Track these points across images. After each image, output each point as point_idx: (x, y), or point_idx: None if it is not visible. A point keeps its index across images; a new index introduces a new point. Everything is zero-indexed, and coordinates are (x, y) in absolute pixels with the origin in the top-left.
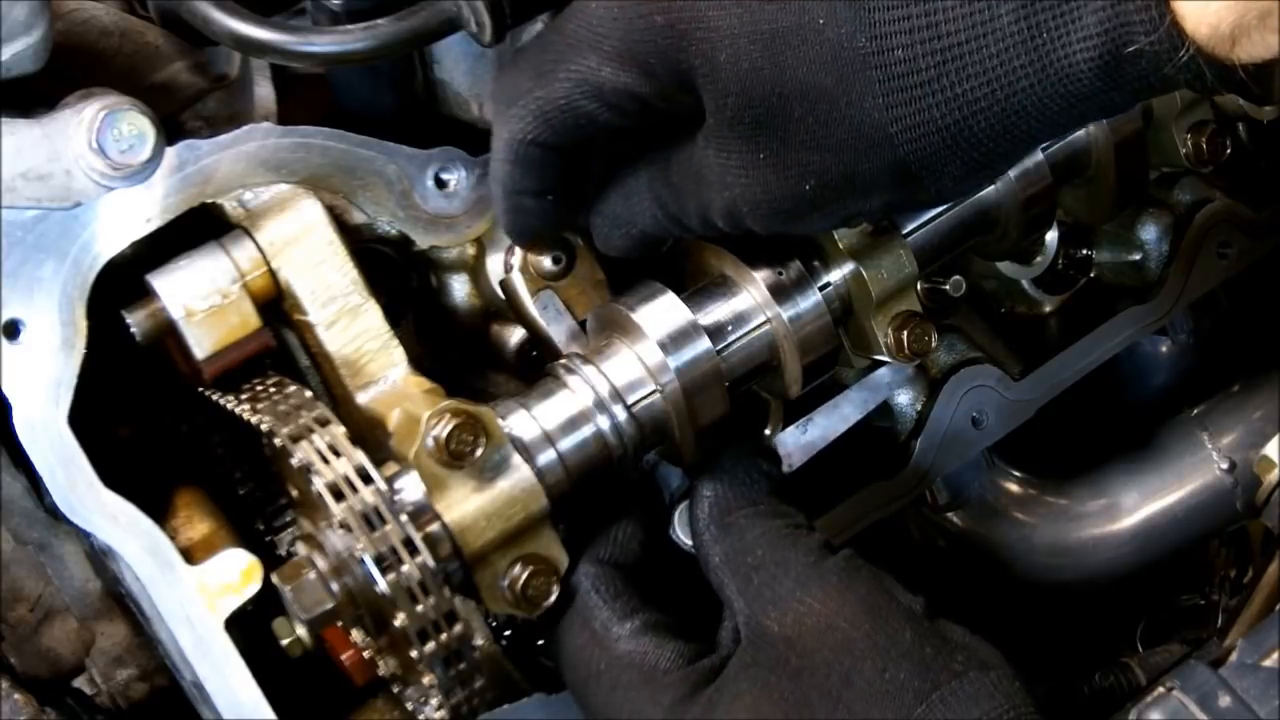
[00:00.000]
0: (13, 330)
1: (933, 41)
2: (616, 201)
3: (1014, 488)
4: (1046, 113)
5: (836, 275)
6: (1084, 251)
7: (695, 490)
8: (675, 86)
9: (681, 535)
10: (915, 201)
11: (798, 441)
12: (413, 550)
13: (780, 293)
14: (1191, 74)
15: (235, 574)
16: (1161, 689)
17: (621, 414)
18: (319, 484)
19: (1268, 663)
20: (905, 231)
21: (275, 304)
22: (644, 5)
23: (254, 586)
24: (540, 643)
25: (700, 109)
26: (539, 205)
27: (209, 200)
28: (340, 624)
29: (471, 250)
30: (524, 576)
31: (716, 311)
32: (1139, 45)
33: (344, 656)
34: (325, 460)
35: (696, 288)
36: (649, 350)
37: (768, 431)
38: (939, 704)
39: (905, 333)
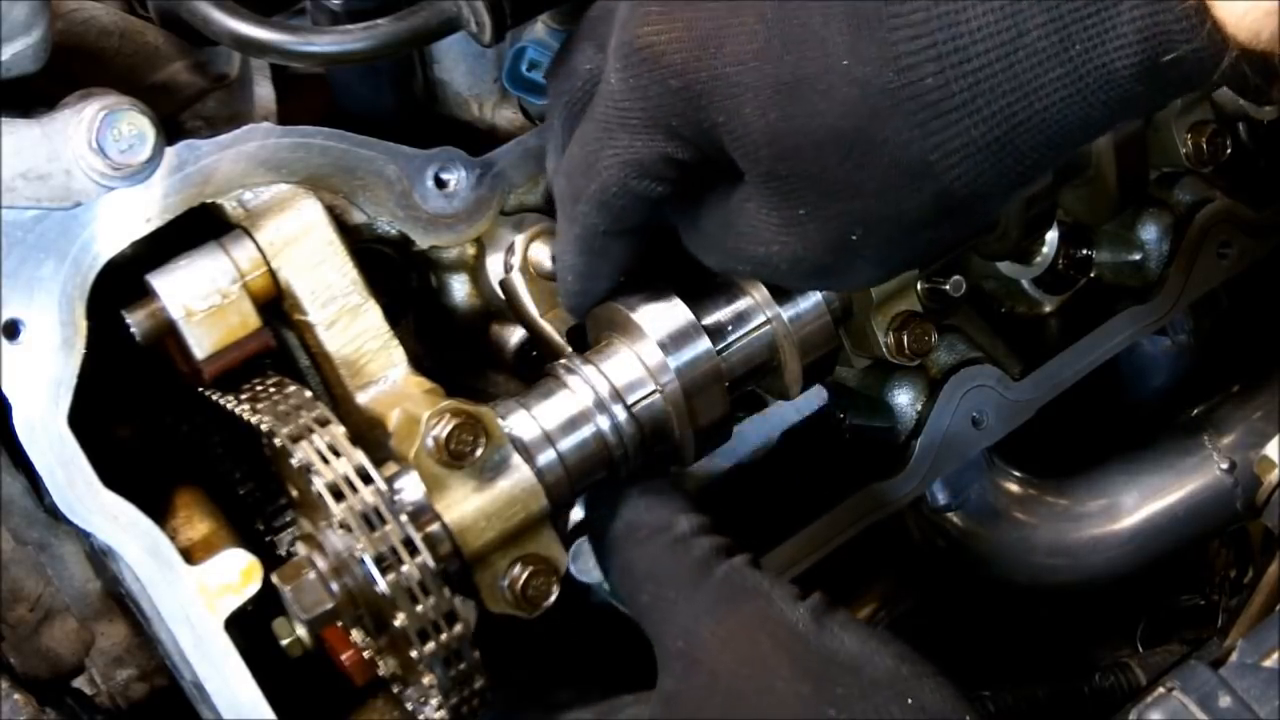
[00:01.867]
0: (13, 330)
1: (962, 65)
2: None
3: (1014, 488)
4: (1088, 119)
5: None
6: (1084, 251)
7: (591, 538)
8: (706, 145)
9: (576, 573)
10: (961, 233)
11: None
12: (413, 550)
13: (780, 293)
14: (1235, 75)
15: (235, 574)
16: (1162, 689)
17: (621, 414)
18: (319, 484)
19: (1268, 663)
20: None
21: (275, 304)
22: (658, 72)
23: (254, 586)
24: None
25: (736, 165)
26: (609, 287)
27: (209, 200)
28: (340, 624)
29: (471, 250)
30: (524, 577)
31: (717, 311)
32: (1180, 52)
33: (344, 656)
34: (325, 460)
35: (697, 288)
36: (649, 350)
37: None
38: None
39: (905, 333)
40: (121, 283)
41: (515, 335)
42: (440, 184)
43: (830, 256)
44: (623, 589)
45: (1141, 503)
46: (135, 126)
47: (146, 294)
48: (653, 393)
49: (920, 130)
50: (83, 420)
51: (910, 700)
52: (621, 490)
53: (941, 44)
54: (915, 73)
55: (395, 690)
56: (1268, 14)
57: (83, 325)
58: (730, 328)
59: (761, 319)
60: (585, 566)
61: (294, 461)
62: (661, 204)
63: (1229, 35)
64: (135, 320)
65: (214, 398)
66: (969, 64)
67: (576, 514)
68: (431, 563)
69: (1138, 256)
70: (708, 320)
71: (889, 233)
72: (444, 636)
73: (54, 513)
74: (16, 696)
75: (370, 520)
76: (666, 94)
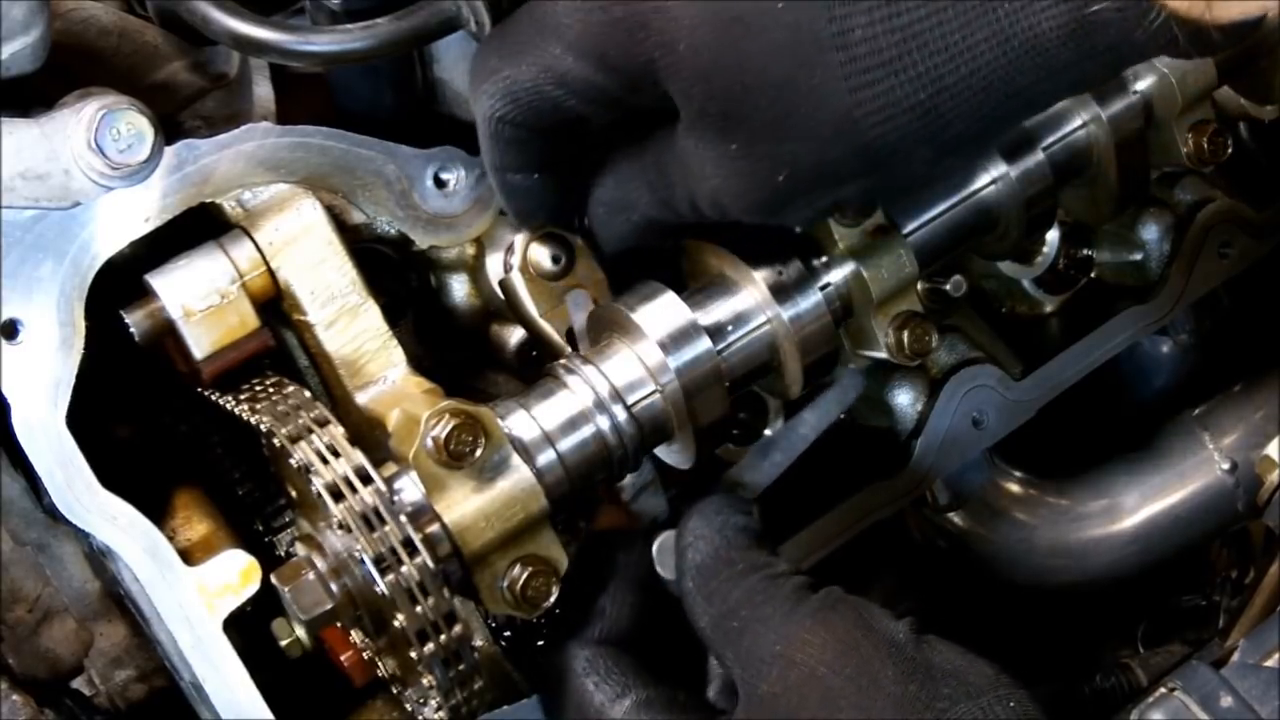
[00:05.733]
0: (11, 330)
1: (893, 19)
2: (613, 188)
3: (1015, 488)
4: (1015, 87)
5: (837, 275)
6: (1085, 251)
7: (678, 558)
8: (637, 79)
9: (661, 570)
10: (892, 187)
11: (758, 467)
12: (412, 551)
13: (780, 292)
14: (1165, 39)
15: (234, 575)
16: (1163, 689)
17: (621, 414)
18: (318, 484)
19: (1269, 663)
20: (905, 231)
21: (274, 304)
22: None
23: (253, 587)
24: (540, 644)
25: (671, 101)
26: (528, 184)
27: (208, 200)
28: (340, 625)
29: (471, 250)
30: (523, 577)
31: (717, 311)
32: (1104, 10)
33: (343, 657)
34: (324, 460)
35: (696, 288)
36: (649, 350)
37: (768, 432)
38: None
39: (905, 333)
40: (121, 283)
41: (515, 335)
42: (440, 184)
43: (763, 194)
44: (707, 616)
45: (1142, 503)
46: (134, 126)
47: (145, 294)
48: (653, 393)
49: (846, 83)
50: (82, 420)
51: (1013, 704)
52: (718, 523)
53: None
54: (846, 23)
55: (395, 691)
56: None
57: (81, 325)
58: (730, 328)
59: (761, 319)
60: (665, 562)
61: (293, 462)
62: (569, 121)
63: None
64: (134, 320)
65: (213, 398)
66: (898, 19)
67: (650, 504)
68: (431, 563)
69: (1138, 256)
70: (707, 320)
71: (813, 180)
72: (443, 637)
73: (53, 513)
74: (15, 697)
75: (370, 521)
76: (607, 20)
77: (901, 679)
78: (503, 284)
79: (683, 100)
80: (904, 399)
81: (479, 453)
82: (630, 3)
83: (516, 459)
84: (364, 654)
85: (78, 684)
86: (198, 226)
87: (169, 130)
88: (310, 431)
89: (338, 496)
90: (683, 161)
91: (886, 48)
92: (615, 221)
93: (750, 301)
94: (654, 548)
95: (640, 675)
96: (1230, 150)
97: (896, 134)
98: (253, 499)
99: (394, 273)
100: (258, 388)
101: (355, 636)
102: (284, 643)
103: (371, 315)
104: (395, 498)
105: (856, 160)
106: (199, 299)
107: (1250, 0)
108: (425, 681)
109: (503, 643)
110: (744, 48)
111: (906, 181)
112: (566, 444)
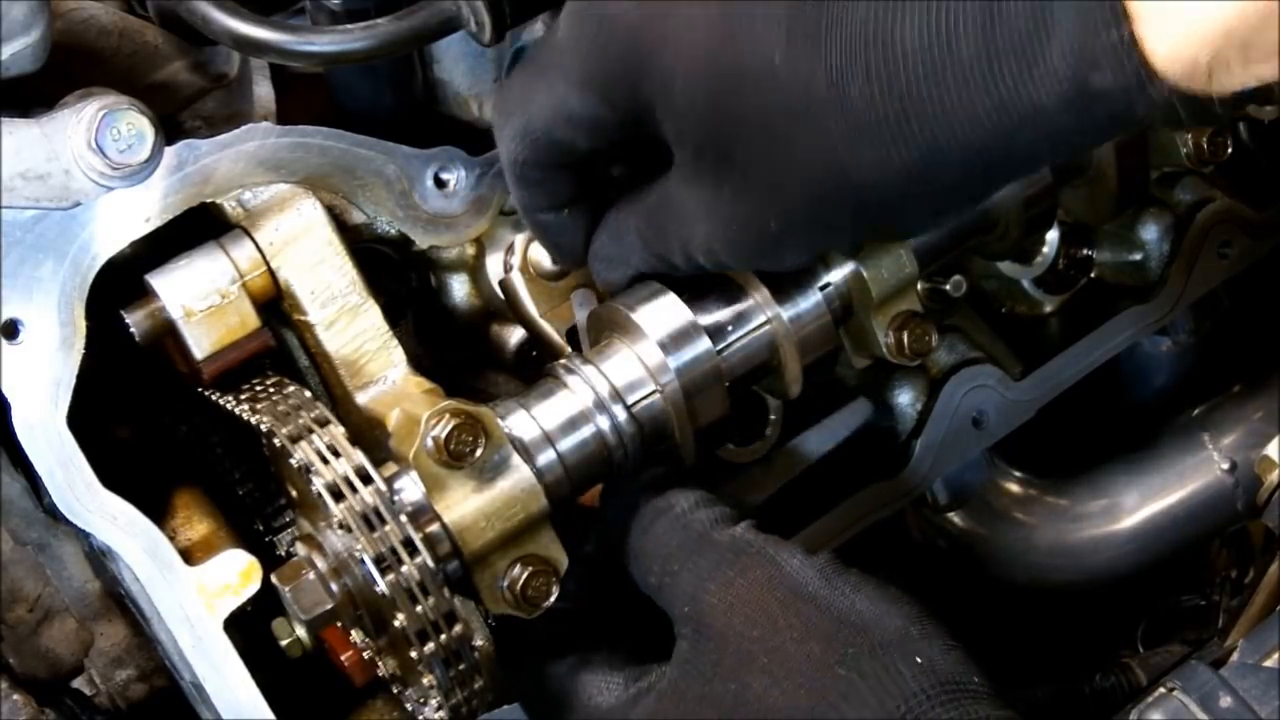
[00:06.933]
0: (12, 330)
1: (892, 85)
2: (609, 243)
3: (1014, 488)
4: (1013, 154)
5: (837, 275)
6: (1085, 251)
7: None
8: (637, 117)
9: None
10: (885, 239)
11: (758, 482)
12: (412, 550)
13: (780, 292)
14: (1166, 113)
15: (234, 575)
16: (1162, 689)
17: (621, 414)
18: (318, 484)
19: (1269, 663)
20: None
21: (275, 304)
22: (601, 35)
23: (253, 587)
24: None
25: (667, 144)
26: (560, 221)
27: (208, 200)
28: (340, 624)
29: (471, 250)
30: (524, 577)
31: (716, 311)
32: (1105, 84)
33: (344, 657)
34: (324, 460)
35: (696, 288)
36: (649, 350)
37: (768, 432)
38: (827, 713)
39: (905, 333)
40: (121, 283)
41: (515, 335)
42: (440, 184)
43: (757, 241)
44: (636, 575)
45: (1142, 503)
46: (134, 126)
47: (146, 294)
48: (653, 393)
49: (843, 143)
50: (82, 420)
51: (919, 659)
52: (624, 486)
53: (874, 60)
54: (844, 86)
55: (395, 690)
56: (1202, 46)
57: (82, 325)
58: (730, 328)
59: (761, 319)
60: None
61: (293, 461)
62: (584, 159)
63: (1158, 71)
64: (135, 320)
65: (213, 398)
66: (898, 85)
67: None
68: (431, 563)
69: (1138, 256)
70: (707, 320)
71: (807, 229)
72: (443, 637)
73: (53, 513)
74: (16, 697)
75: (370, 520)
76: (604, 58)
77: (807, 637)
78: (503, 284)
79: (677, 143)
80: (904, 399)
81: (479, 453)
82: (628, 44)
83: (517, 459)
84: (364, 654)
85: (78, 684)
86: (198, 226)
87: (169, 130)
88: (310, 431)
89: (338, 496)
90: (675, 209)
91: (885, 113)
92: (613, 275)
93: (750, 301)
94: None
95: (582, 640)
96: (1230, 150)
97: (891, 192)
98: (253, 499)
99: (394, 273)
100: (258, 388)
101: (355, 636)
102: (284, 643)
103: (371, 315)
104: (395, 498)
105: (849, 215)
106: (199, 299)
107: (1251, 69)
108: (425, 681)
109: None
110: (739, 99)
111: (900, 233)
112: (566, 444)
